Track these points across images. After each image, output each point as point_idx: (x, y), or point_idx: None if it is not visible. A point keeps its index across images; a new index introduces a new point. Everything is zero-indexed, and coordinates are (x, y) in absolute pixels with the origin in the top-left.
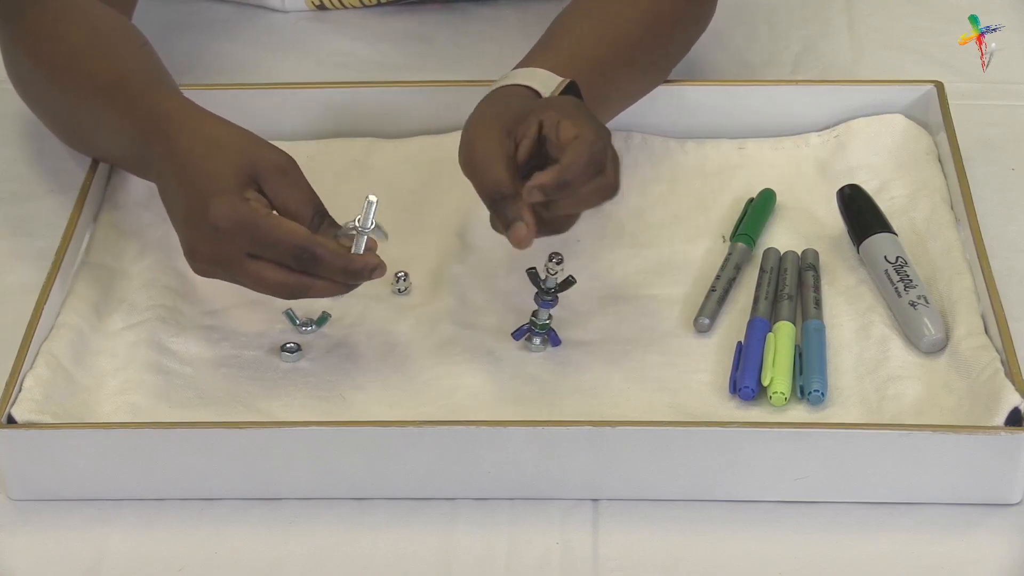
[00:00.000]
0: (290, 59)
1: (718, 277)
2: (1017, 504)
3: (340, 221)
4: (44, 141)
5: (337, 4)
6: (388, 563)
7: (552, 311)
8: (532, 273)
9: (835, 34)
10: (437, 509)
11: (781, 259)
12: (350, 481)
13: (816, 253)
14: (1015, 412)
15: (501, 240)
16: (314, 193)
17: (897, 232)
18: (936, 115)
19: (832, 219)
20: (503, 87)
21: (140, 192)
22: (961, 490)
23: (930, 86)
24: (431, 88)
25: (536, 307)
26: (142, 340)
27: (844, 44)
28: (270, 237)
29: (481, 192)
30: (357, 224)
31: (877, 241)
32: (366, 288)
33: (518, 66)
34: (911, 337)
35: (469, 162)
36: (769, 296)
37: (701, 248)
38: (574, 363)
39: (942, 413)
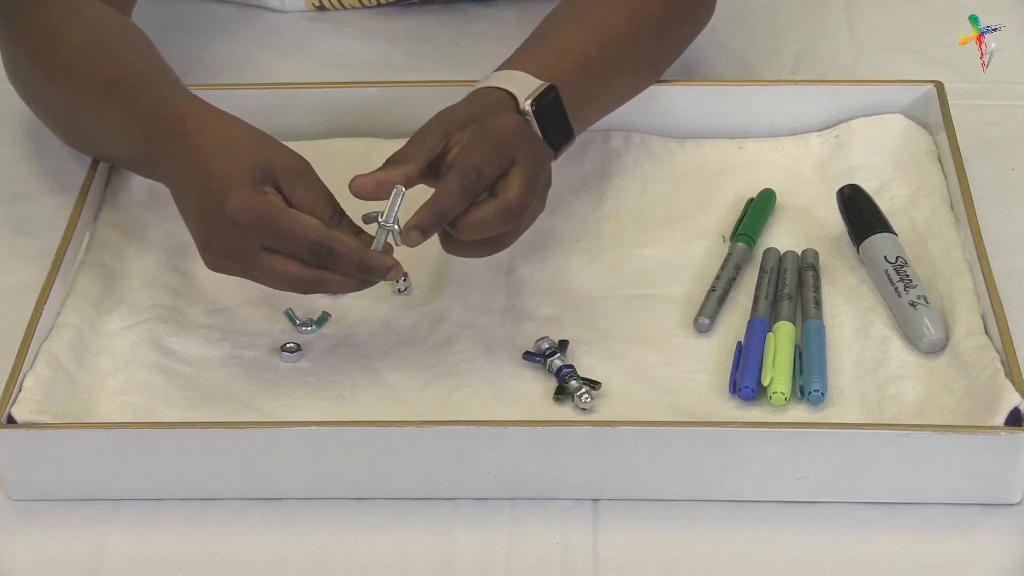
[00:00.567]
0: (290, 59)
1: (718, 277)
2: (1017, 504)
3: None
4: (44, 141)
5: (337, 4)
6: (388, 563)
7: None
8: (535, 360)
9: (835, 34)
10: (437, 509)
11: (781, 259)
12: (350, 481)
13: (816, 253)
14: (1015, 412)
15: None
16: (331, 193)
17: (897, 232)
18: (936, 115)
19: (832, 219)
20: (483, 88)
21: (140, 192)
22: (961, 490)
23: (930, 86)
24: (431, 88)
25: (558, 380)
26: (142, 340)
27: (844, 44)
28: (288, 230)
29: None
30: (380, 219)
31: (877, 241)
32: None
33: (501, 67)
34: (911, 337)
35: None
36: (769, 296)
37: (701, 248)
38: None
39: (942, 413)
